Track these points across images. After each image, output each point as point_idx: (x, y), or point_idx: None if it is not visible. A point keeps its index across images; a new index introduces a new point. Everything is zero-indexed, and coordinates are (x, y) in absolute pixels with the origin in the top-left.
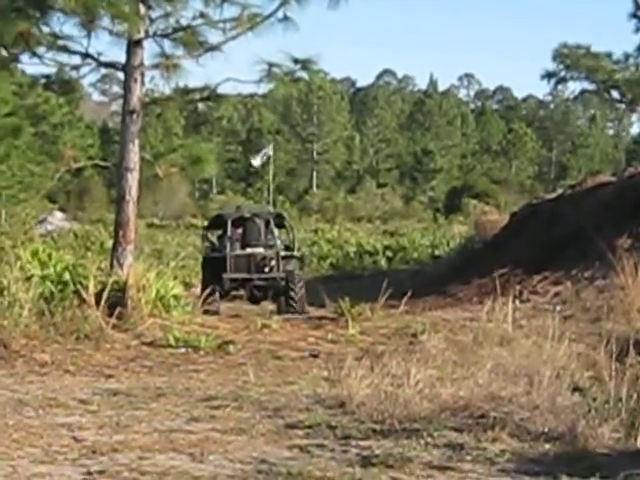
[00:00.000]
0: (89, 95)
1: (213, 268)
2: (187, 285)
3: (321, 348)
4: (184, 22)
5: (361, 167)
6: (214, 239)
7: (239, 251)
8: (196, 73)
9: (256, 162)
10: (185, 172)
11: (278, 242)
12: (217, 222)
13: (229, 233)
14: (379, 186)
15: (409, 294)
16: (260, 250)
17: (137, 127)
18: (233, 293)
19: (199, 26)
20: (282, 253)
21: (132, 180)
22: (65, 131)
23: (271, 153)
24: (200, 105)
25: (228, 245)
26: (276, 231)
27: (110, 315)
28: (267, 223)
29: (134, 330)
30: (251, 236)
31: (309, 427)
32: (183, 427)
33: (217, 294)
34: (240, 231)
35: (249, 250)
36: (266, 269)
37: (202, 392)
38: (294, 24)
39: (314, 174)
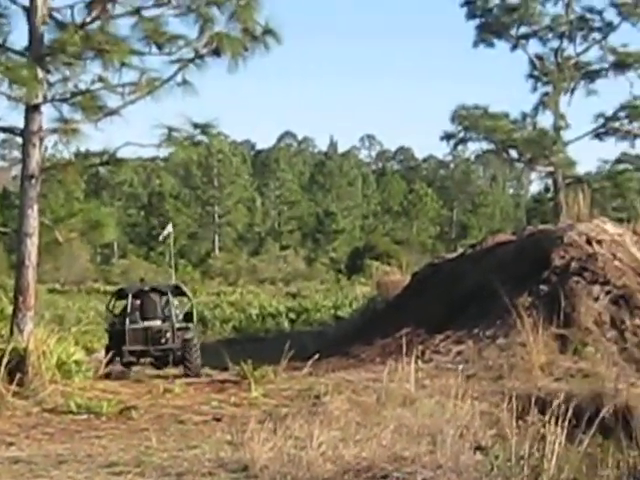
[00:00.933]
0: None
1: (115, 339)
2: (89, 350)
3: (224, 411)
4: (83, 86)
5: (263, 229)
6: (117, 311)
7: (137, 324)
8: (96, 137)
9: (161, 238)
10: (85, 237)
11: (174, 313)
12: (120, 295)
13: (129, 307)
14: (282, 248)
15: (315, 357)
16: (157, 323)
17: (36, 192)
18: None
19: (98, 90)
20: (177, 325)
21: (31, 245)
22: None
23: (171, 230)
24: (101, 169)
25: (127, 319)
26: (176, 302)
27: (10, 382)
28: (165, 295)
29: (35, 397)
30: (148, 309)
31: None
32: None
33: (118, 364)
34: (140, 304)
35: (146, 323)
36: (162, 340)
37: (104, 458)
38: (193, 88)
39: (216, 237)
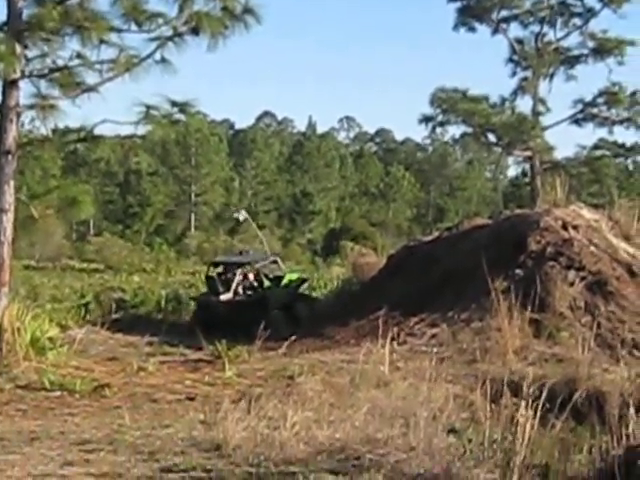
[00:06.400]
0: None
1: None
2: (63, 327)
3: (198, 391)
4: (61, 62)
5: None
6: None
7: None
8: (73, 114)
9: (241, 217)
10: (61, 213)
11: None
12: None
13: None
14: (258, 228)
15: (291, 339)
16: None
17: (12, 168)
18: None
19: (76, 67)
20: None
21: (7, 222)
22: None
23: (244, 215)
24: (79, 146)
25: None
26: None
27: None
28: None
29: (9, 373)
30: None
31: (184, 471)
32: (57, 472)
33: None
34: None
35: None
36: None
37: (77, 436)
38: (172, 66)
39: (192, 216)
